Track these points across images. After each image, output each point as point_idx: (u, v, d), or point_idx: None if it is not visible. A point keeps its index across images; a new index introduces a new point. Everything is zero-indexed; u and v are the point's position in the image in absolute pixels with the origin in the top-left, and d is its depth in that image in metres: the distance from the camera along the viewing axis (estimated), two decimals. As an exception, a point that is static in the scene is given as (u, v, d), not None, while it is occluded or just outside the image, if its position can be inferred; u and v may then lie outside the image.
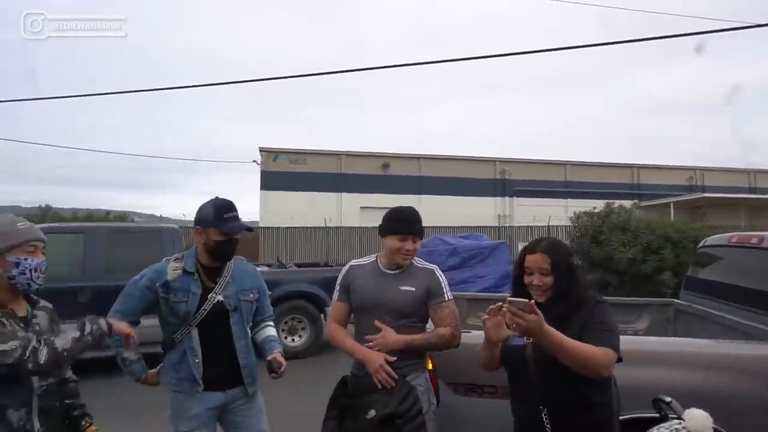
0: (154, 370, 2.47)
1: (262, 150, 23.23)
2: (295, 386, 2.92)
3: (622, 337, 1.94)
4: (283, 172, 22.99)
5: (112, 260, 6.51)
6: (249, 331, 2.56)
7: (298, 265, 9.51)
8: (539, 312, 1.69)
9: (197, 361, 2.37)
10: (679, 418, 1.52)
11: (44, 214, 25.10)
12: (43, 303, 1.97)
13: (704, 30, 9.03)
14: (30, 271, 1.81)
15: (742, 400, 2.52)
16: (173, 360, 2.41)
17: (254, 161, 23.59)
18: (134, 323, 2.36)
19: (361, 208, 22.28)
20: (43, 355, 1.69)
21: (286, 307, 7.39)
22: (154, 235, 6.95)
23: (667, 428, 1.48)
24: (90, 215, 26.04)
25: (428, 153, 24.90)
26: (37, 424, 1.78)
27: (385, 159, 24.13)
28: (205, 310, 2.38)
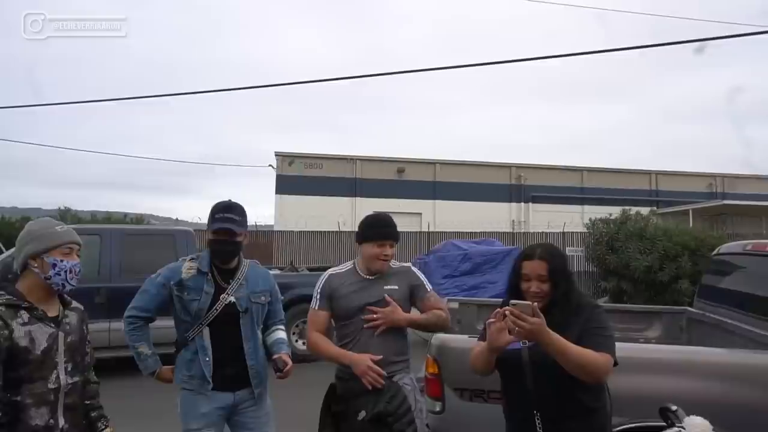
0: (168, 367, 2.53)
1: (277, 154, 23.42)
2: (305, 390, 2.94)
3: (631, 345, 1.93)
4: (298, 177, 23.14)
5: (127, 261, 6.64)
6: (259, 333, 2.60)
7: (311, 269, 9.54)
8: (541, 315, 1.68)
9: (208, 359, 2.42)
10: (681, 426, 1.50)
11: (63, 216, 25.54)
12: (75, 304, 2.02)
13: (733, 34, 8.71)
14: (65, 272, 1.86)
15: (755, 411, 2.47)
16: (185, 358, 2.47)
17: (270, 165, 23.81)
18: (150, 319, 2.51)
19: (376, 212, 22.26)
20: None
21: (297, 310, 7.41)
22: (168, 238, 7.06)
23: None
24: (108, 217, 26.44)
25: (443, 158, 24.87)
26: (61, 421, 1.82)
27: (400, 164, 24.16)
28: (216, 309, 2.43)
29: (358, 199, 23.21)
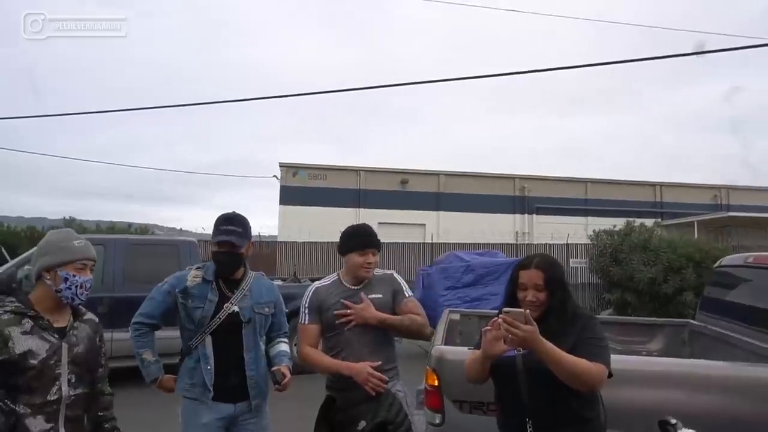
0: (170, 376, 2.55)
1: (282, 165, 23.52)
2: (307, 402, 2.94)
3: (633, 358, 1.93)
4: (302, 187, 23.22)
5: (131, 271, 6.67)
6: (262, 345, 2.62)
7: (313, 280, 9.53)
8: (534, 323, 1.69)
9: (209, 368, 2.44)
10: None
11: (68, 225, 25.60)
12: (88, 316, 2.02)
13: (737, 46, 8.65)
14: (76, 287, 1.88)
15: (756, 424, 2.45)
16: (188, 366, 2.50)
17: (274, 176, 23.90)
18: (156, 326, 2.55)
19: (380, 223, 22.30)
20: None
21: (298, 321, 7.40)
22: (171, 248, 7.12)
23: None
24: (112, 227, 26.53)
25: (447, 170, 24.91)
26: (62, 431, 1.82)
27: (404, 175, 24.21)
28: (219, 318, 2.46)
29: (362, 210, 23.23)
